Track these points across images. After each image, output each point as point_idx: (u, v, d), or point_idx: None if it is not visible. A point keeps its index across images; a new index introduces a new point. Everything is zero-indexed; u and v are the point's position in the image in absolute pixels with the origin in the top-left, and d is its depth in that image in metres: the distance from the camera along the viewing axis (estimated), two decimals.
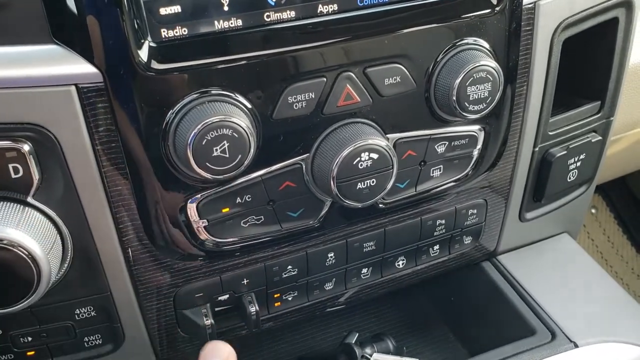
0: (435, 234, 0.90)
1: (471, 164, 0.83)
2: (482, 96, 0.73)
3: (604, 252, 2.32)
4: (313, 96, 0.69)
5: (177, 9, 0.62)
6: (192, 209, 0.70)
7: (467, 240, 0.94)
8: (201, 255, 0.75)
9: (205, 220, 0.71)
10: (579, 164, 0.95)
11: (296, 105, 0.68)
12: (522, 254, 1.03)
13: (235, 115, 0.63)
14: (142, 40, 0.61)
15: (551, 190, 0.95)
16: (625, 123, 1.18)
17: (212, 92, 0.64)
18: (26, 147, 0.62)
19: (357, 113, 0.72)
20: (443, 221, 0.89)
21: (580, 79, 0.95)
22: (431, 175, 0.81)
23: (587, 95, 0.95)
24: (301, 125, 0.70)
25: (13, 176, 0.62)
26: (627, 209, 2.31)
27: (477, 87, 0.72)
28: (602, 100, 0.94)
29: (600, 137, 0.96)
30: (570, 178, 0.96)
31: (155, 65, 0.61)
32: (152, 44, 0.61)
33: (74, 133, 0.62)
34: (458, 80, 0.72)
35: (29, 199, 0.64)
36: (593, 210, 2.35)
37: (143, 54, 0.61)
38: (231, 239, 0.74)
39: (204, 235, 0.72)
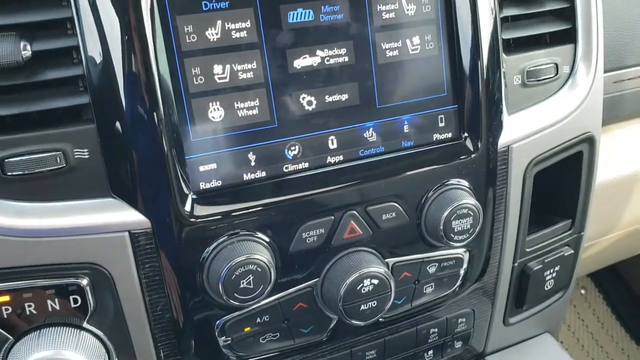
0: (429, 340, 1.02)
1: (459, 281, 0.96)
2: (465, 228, 0.86)
3: (594, 332, 2.40)
4: (323, 232, 0.82)
5: (213, 166, 0.76)
6: (219, 329, 0.82)
7: (458, 344, 1.06)
8: None
9: (229, 339, 0.83)
10: (554, 274, 1.08)
11: (309, 240, 0.81)
12: (507, 354, 1.14)
13: (259, 252, 0.76)
14: (185, 194, 0.74)
15: (531, 298, 1.08)
16: (597, 232, 1.31)
17: (240, 232, 0.78)
18: (85, 282, 0.74)
19: (359, 242, 0.85)
20: (436, 329, 1.01)
21: (552, 199, 1.09)
22: (424, 292, 0.93)
23: (560, 213, 1.09)
24: (312, 255, 0.83)
25: (72, 306, 0.75)
26: (615, 290, 2.41)
27: (460, 221, 0.86)
28: (573, 218, 1.08)
29: (572, 251, 1.09)
30: (547, 287, 1.08)
31: (194, 213, 0.75)
32: (194, 196, 0.75)
33: (125, 269, 0.75)
34: (444, 216, 0.85)
35: (84, 324, 0.76)
36: (582, 291, 2.45)
37: (186, 206, 0.74)
38: (250, 353, 0.85)
39: (228, 351, 0.84)
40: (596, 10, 0.97)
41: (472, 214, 0.86)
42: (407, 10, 0.82)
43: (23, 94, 0.70)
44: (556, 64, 0.95)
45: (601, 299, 2.46)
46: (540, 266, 1.05)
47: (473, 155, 0.88)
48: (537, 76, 0.94)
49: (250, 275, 0.75)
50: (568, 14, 0.97)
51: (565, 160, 1.02)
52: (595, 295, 2.47)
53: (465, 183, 0.88)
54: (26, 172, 0.70)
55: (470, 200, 0.86)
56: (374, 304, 0.84)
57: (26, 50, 0.68)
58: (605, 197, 1.26)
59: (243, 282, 0.75)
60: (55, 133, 0.71)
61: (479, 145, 0.88)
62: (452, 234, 0.86)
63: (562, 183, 1.07)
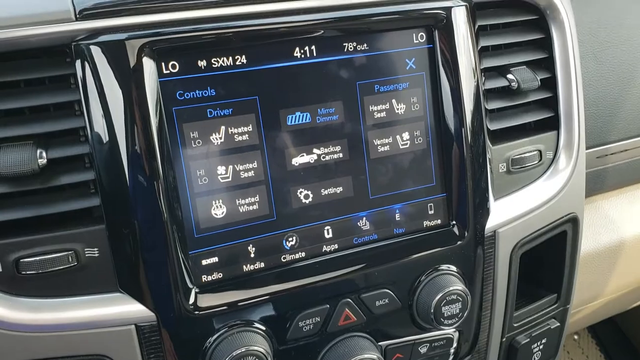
0: None
1: (449, 358, 1.00)
2: (454, 313, 0.91)
3: None
4: (319, 319, 0.86)
5: (215, 259, 0.81)
6: None
7: None
8: None
9: None
10: (541, 346, 1.12)
11: (305, 328, 0.86)
12: None
13: (257, 343, 0.80)
14: (189, 289, 0.79)
15: None
16: (582, 300, 1.35)
17: (240, 323, 0.82)
18: None
19: (354, 328, 0.89)
20: None
21: (537, 273, 1.14)
22: None
23: (545, 287, 1.13)
24: (308, 342, 0.87)
25: None
26: (608, 335, 2.44)
27: (450, 307, 0.90)
28: (559, 292, 1.12)
29: (558, 323, 1.13)
30: (534, 359, 1.12)
31: (197, 306, 0.79)
32: (196, 290, 0.79)
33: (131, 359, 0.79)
34: (434, 302, 0.89)
35: None
36: (575, 337, 2.47)
37: (190, 299, 0.79)
38: None
39: None
40: (577, 98, 1.03)
41: (461, 299, 0.90)
42: (397, 109, 0.88)
43: (37, 197, 0.75)
44: (540, 151, 1.01)
45: (594, 344, 2.49)
46: (528, 340, 1.09)
47: (460, 242, 0.93)
48: (521, 164, 0.99)
49: None
50: (550, 102, 1.03)
51: (550, 239, 1.07)
52: (589, 341, 2.49)
53: (454, 268, 0.93)
54: (39, 271, 0.74)
55: (459, 286, 0.90)
56: None
57: (42, 158, 0.73)
58: (590, 266, 1.31)
59: None
60: (68, 234, 0.75)
61: (467, 232, 0.93)
62: (442, 318, 0.90)
63: (547, 259, 1.12)
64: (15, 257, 0.74)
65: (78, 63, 0.73)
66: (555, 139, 1.04)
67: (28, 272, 0.74)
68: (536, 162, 1.01)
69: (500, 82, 0.97)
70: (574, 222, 1.07)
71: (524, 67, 0.99)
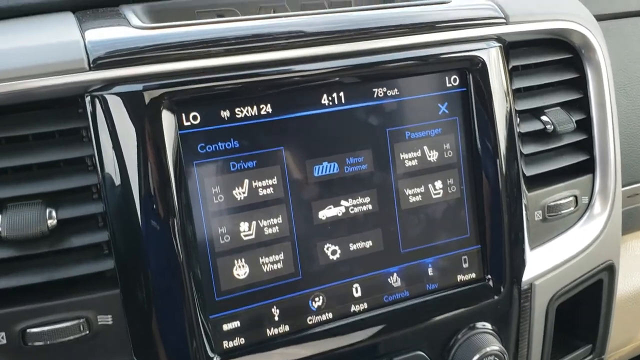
0: None
1: None
2: None
3: None
4: None
5: (237, 324, 0.75)
6: None
7: None
8: None
9: None
10: None
11: None
12: None
13: None
14: (210, 357, 0.72)
15: None
16: (615, 346, 1.29)
17: None
18: None
19: None
20: None
21: (572, 322, 1.08)
22: None
23: (580, 337, 1.07)
24: None
25: None
26: None
27: None
28: (594, 343, 1.06)
29: None
30: None
31: None
32: (217, 358, 0.73)
33: None
34: None
35: None
36: None
37: None
38: None
39: None
40: (613, 140, 0.98)
41: (498, 359, 0.84)
42: (429, 156, 0.83)
43: (46, 261, 0.69)
44: (575, 197, 0.95)
45: None
46: None
47: (497, 297, 0.87)
48: (557, 210, 0.93)
49: None
50: (585, 144, 0.98)
51: (585, 288, 1.01)
52: None
53: (489, 325, 0.87)
54: (47, 342, 0.68)
55: (496, 347, 0.84)
56: None
57: (52, 218, 0.67)
58: (623, 310, 1.24)
59: None
60: (79, 300, 0.69)
61: (503, 286, 0.87)
62: None
63: (582, 308, 1.06)
64: (22, 327, 0.67)
65: (91, 115, 0.68)
66: (591, 182, 0.98)
67: (35, 344, 0.68)
68: (572, 208, 0.95)
69: (534, 125, 0.92)
70: (610, 270, 1.01)
71: (558, 108, 0.94)
